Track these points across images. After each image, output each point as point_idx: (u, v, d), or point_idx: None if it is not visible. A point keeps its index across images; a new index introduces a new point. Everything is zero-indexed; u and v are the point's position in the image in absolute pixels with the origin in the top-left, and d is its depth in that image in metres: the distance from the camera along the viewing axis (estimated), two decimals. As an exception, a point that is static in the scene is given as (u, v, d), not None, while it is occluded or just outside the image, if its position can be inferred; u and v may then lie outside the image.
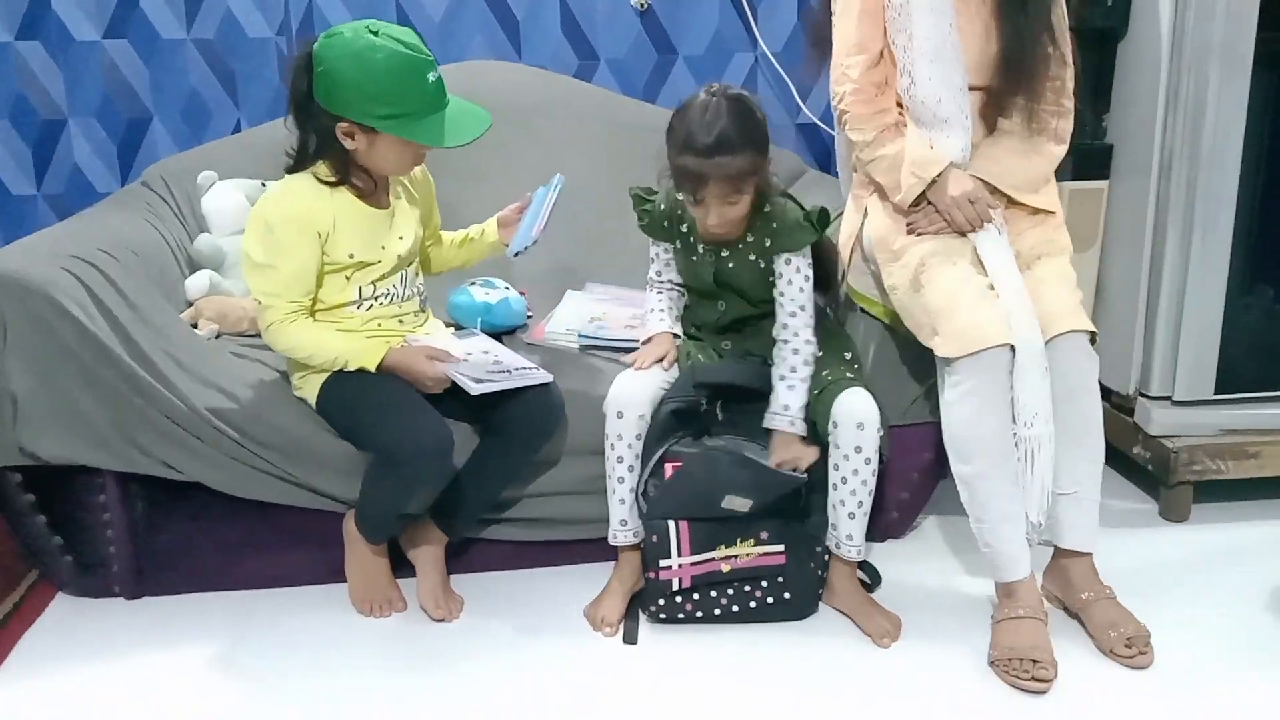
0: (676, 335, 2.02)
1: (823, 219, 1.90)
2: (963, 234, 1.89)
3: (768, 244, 1.91)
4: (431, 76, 1.79)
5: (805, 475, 1.85)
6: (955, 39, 1.88)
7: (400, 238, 1.93)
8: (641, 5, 2.70)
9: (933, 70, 1.88)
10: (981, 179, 1.90)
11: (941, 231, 1.90)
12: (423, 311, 2.04)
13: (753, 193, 1.84)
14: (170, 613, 1.99)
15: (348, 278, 1.89)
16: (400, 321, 1.96)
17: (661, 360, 1.95)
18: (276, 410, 1.93)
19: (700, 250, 1.96)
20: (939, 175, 1.89)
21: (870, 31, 1.95)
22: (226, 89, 2.67)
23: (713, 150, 1.77)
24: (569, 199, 2.52)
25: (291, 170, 1.88)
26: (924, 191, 1.91)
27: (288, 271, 1.82)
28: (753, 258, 1.92)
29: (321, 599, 2.01)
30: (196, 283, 2.24)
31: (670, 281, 2.06)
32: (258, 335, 2.21)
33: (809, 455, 1.87)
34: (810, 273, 1.91)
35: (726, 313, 1.99)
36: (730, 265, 1.94)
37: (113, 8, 2.59)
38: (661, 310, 2.04)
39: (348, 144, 1.81)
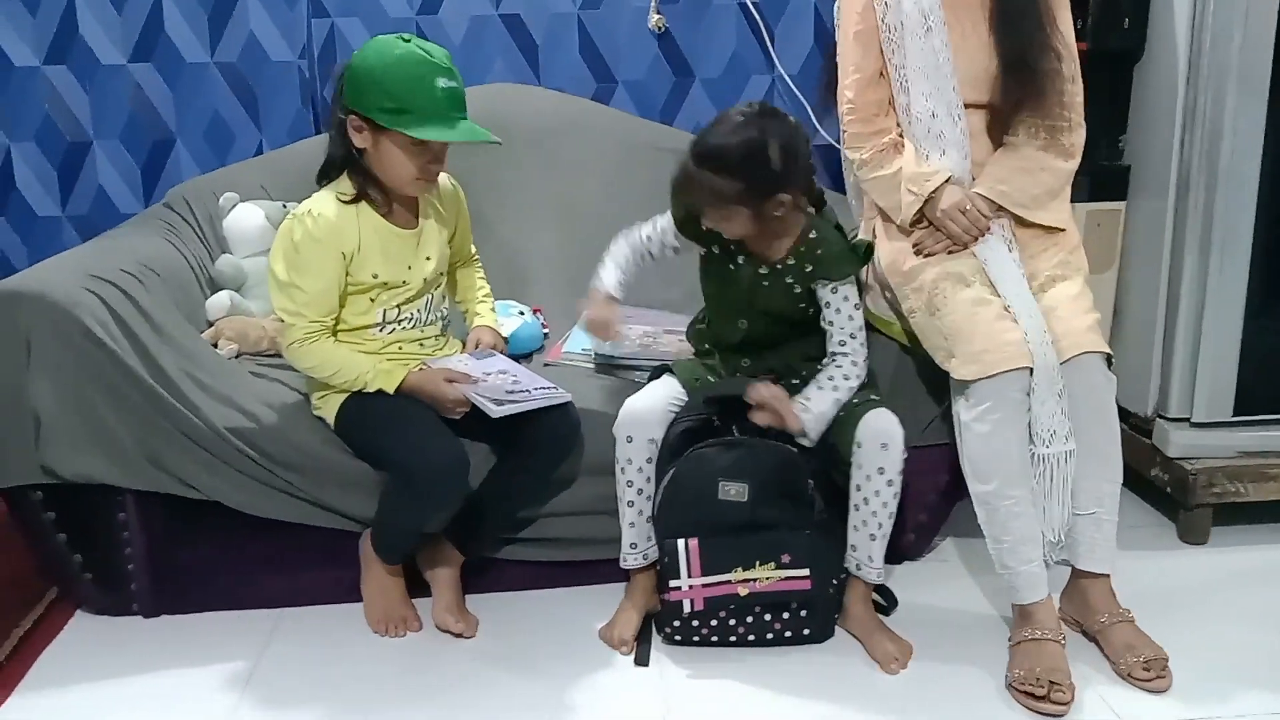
0: (615, 299, 1.98)
1: (868, 251, 1.89)
2: (963, 246, 1.89)
3: (809, 270, 1.87)
4: (443, 83, 1.79)
5: (794, 450, 1.83)
6: (948, 55, 1.89)
7: (427, 259, 1.94)
8: (659, 28, 2.72)
9: (926, 87, 1.90)
10: (987, 197, 1.90)
11: (948, 249, 1.91)
12: (444, 335, 2.05)
13: (753, 220, 1.79)
14: (189, 631, 2.00)
15: (372, 299, 1.90)
16: (421, 345, 1.98)
17: (607, 330, 1.95)
18: (296, 430, 1.94)
19: (741, 261, 1.90)
20: (935, 191, 1.90)
21: (865, 51, 1.97)
22: (249, 112, 2.70)
23: (702, 160, 1.76)
24: (586, 219, 2.56)
25: (320, 177, 1.90)
26: (924, 209, 1.92)
27: (312, 291, 1.83)
28: (789, 281, 1.89)
29: (340, 618, 2.02)
30: (218, 303, 2.26)
31: (648, 254, 2.00)
32: (278, 355, 2.23)
33: (776, 419, 1.82)
34: (859, 301, 1.89)
35: (749, 332, 1.95)
36: (766, 284, 1.90)
37: (138, 32, 2.63)
38: (617, 266, 1.99)
39: (356, 140, 1.82)
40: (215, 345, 2.18)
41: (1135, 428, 2.35)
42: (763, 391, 1.85)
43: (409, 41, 1.80)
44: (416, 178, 1.86)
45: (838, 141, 2.74)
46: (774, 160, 1.74)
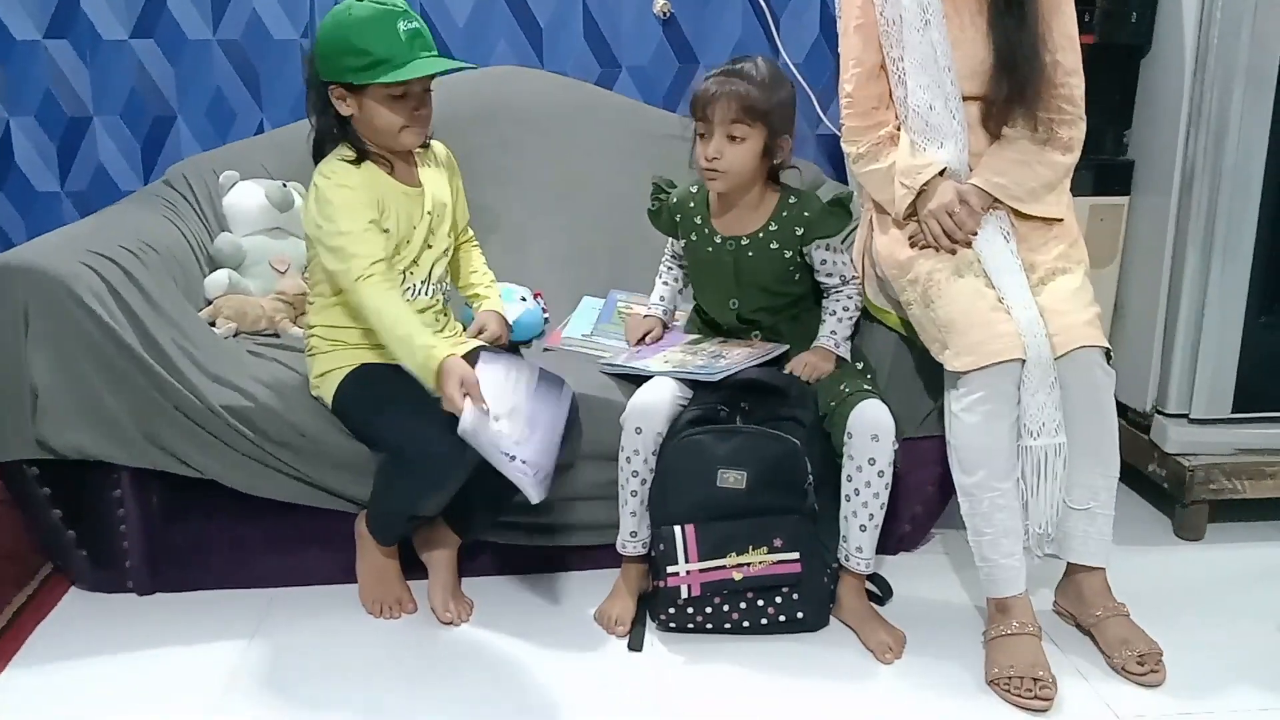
0: (665, 324, 2.18)
1: (849, 203, 1.97)
2: (947, 248, 1.89)
3: (798, 232, 1.95)
4: (404, 25, 1.80)
5: (796, 442, 1.84)
6: (946, 49, 1.89)
7: (428, 212, 1.95)
8: (664, 13, 2.71)
9: (924, 80, 1.90)
10: (983, 189, 1.89)
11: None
12: (445, 313, 2.04)
13: (760, 153, 1.90)
14: (183, 609, 2.00)
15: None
16: (419, 320, 1.96)
17: (644, 339, 2.11)
18: (293, 409, 1.93)
19: (719, 240, 1.98)
20: (926, 185, 1.90)
21: (865, 45, 1.97)
22: (250, 89, 2.69)
23: (731, 73, 1.88)
24: (589, 204, 2.55)
25: (316, 157, 1.91)
26: (916, 202, 1.92)
27: (358, 229, 1.82)
28: (774, 246, 1.96)
29: (335, 598, 2.02)
30: (216, 281, 2.25)
31: (675, 276, 2.17)
32: (276, 334, 2.23)
33: (821, 369, 1.94)
34: (846, 252, 2.02)
35: (740, 310, 2.01)
36: (750, 255, 1.97)
37: (140, 7, 2.62)
38: (659, 299, 2.19)
39: (342, 109, 1.85)
40: (213, 324, 2.18)
41: (1133, 423, 2.36)
42: (799, 365, 1.96)
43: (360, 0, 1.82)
44: (405, 126, 1.87)
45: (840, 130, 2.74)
46: (793, 105, 1.94)
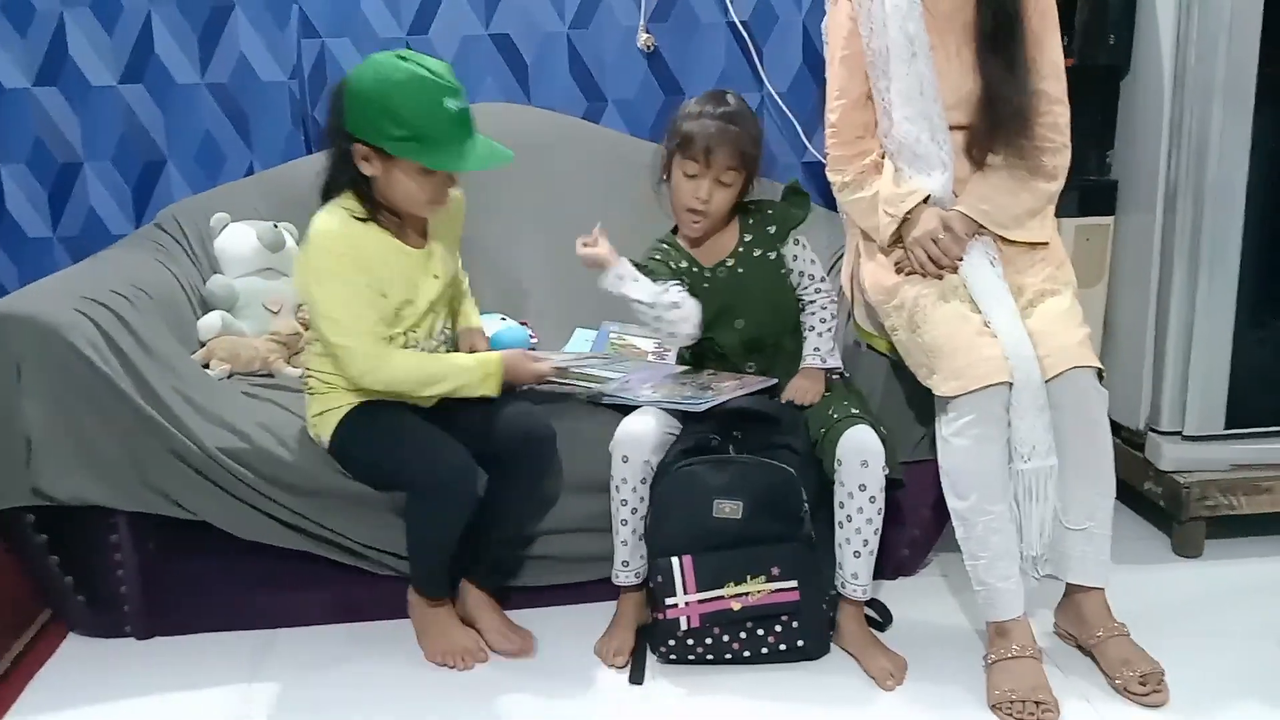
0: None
1: (799, 187, 2.02)
2: (934, 275, 1.90)
3: (772, 230, 2.01)
4: (451, 104, 1.74)
5: (792, 471, 1.84)
6: (933, 80, 1.90)
7: (435, 277, 1.91)
8: (648, 47, 2.73)
9: (910, 112, 1.90)
10: (968, 215, 1.90)
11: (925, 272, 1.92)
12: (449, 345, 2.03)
13: (739, 192, 1.95)
14: (182, 652, 1.99)
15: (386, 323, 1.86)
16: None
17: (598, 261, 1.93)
18: (289, 450, 1.93)
19: (709, 273, 2.00)
20: (911, 212, 1.91)
21: (851, 76, 1.99)
22: (240, 132, 2.70)
23: (728, 116, 1.91)
24: (578, 234, 2.55)
25: (325, 197, 1.85)
26: (901, 229, 1.93)
27: (357, 305, 1.78)
28: (759, 254, 2.00)
29: (335, 639, 2.01)
30: (209, 323, 2.26)
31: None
32: (270, 375, 2.23)
33: (814, 390, 1.97)
34: (811, 252, 2.06)
35: (746, 328, 2.02)
36: (740, 272, 2.00)
37: (129, 53, 2.63)
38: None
39: (365, 169, 1.78)
40: (207, 366, 2.18)
41: (1127, 441, 2.36)
42: (792, 391, 1.98)
43: (408, 60, 1.75)
44: (430, 201, 1.83)
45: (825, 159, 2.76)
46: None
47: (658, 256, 2.01)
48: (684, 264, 2.01)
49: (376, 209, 1.83)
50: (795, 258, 2.03)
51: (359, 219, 1.82)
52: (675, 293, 1.91)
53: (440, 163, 1.76)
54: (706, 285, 2.00)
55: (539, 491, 1.99)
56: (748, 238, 2.01)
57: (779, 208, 2.02)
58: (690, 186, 1.92)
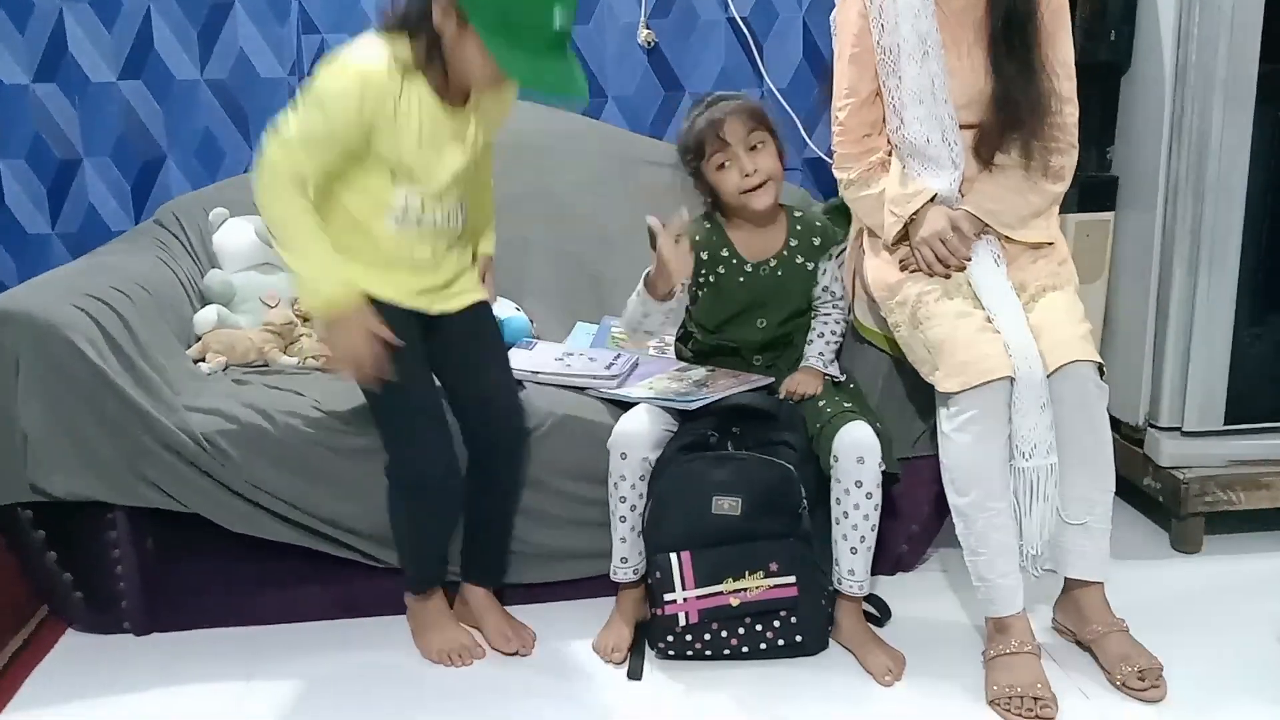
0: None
1: (845, 207, 2.09)
2: (941, 274, 1.90)
3: (817, 243, 2.05)
4: (559, 16, 1.58)
5: (791, 467, 1.84)
6: (944, 80, 1.89)
7: (464, 147, 1.77)
8: (648, 43, 2.73)
9: (921, 112, 1.89)
10: (974, 214, 1.90)
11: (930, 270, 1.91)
12: (464, 248, 1.90)
13: (775, 152, 1.96)
14: (180, 649, 1.99)
15: (394, 174, 1.73)
16: (433, 252, 1.81)
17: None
18: (274, 425, 1.93)
19: (750, 268, 2.02)
20: (917, 212, 1.91)
21: (860, 75, 1.97)
22: (239, 128, 2.70)
23: (719, 98, 1.96)
24: (577, 233, 2.56)
25: (385, 29, 1.69)
26: (908, 228, 1.93)
27: (316, 140, 1.64)
28: (800, 261, 2.04)
29: (332, 635, 2.01)
30: (204, 318, 2.26)
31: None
32: (265, 366, 2.23)
33: (815, 383, 1.97)
34: (841, 272, 2.10)
35: (768, 328, 2.05)
36: (780, 274, 2.03)
37: (128, 49, 2.63)
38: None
39: (437, 17, 1.62)
40: (202, 359, 2.18)
41: (1127, 437, 2.36)
42: (790, 385, 1.98)
43: None
44: (488, 81, 1.69)
45: (827, 155, 2.76)
46: None
47: (698, 236, 2.00)
48: (724, 252, 2.02)
49: (428, 61, 1.68)
50: (826, 272, 2.07)
51: (403, 66, 1.67)
52: (652, 322, 1.97)
53: (514, 68, 1.61)
54: (743, 280, 2.01)
55: (516, 488, 1.98)
56: (794, 243, 2.03)
57: (825, 222, 2.08)
58: (731, 174, 1.94)
